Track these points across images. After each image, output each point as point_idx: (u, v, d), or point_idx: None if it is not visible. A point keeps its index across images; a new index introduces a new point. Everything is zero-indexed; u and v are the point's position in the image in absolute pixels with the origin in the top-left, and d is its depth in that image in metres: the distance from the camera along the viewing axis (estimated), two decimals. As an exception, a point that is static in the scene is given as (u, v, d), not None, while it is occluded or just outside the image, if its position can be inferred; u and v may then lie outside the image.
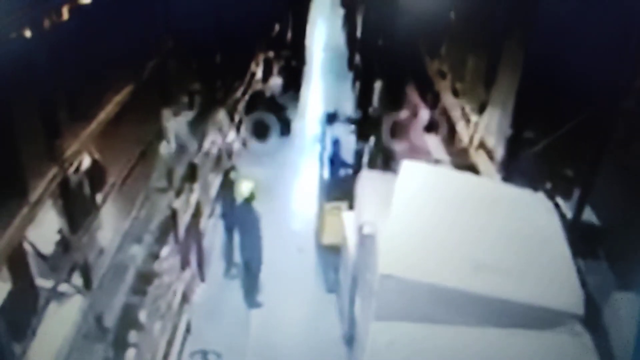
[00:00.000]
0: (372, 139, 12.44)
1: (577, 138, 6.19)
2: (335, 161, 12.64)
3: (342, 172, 12.56)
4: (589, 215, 6.30)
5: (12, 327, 4.63)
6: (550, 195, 6.60)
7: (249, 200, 9.66)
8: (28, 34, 4.71)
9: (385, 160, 11.85)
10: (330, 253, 10.59)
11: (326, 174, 12.38)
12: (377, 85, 13.74)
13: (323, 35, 26.36)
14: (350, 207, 9.73)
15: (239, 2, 12.38)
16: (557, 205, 6.48)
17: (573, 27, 5.86)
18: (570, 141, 6.32)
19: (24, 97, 4.74)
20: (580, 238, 5.96)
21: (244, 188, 9.69)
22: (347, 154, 12.68)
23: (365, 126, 12.50)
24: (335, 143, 12.77)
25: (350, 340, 8.67)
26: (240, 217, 9.89)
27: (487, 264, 5.50)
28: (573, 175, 6.77)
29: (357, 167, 12.09)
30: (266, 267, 10.14)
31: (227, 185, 11.18)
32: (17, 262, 4.84)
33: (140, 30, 7.56)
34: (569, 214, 6.40)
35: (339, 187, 11.71)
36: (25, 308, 4.97)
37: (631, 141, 5.73)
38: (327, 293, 10.48)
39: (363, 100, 12.88)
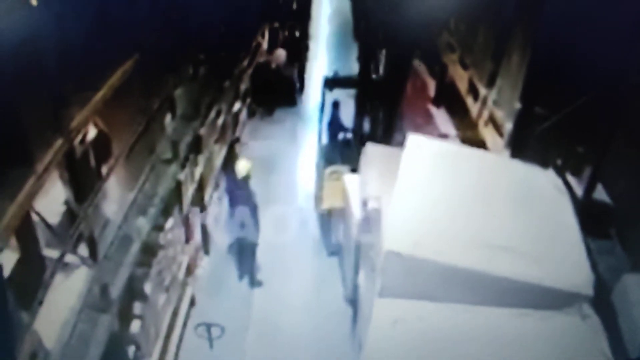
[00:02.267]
0: (374, 104, 12.37)
1: (590, 114, 6.13)
2: (334, 125, 12.68)
3: (341, 135, 12.60)
4: (600, 193, 6.29)
5: (20, 296, 4.69)
6: (561, 173, 6.58)
7: (245, 179, 9.74)
8: (34, 2, 4.68)
9: (387, 128, 11.84)
10: (330, 217, 10.74)
11: (325, 138, 12.42)
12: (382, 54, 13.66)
13: (329, 5, 26.14)
14: (352, 171, 9.88)
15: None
16: (567, 183, 6.46)
17: (588, 1, 5.79)
18: (582, 117, 6.27)
19: (30, 68, 4.72)
20: (591, 217, 5.94)
21: (241, 167, 9.77)
22: (347, 118, 12.61)
23: (367, 90, 12.22)
24: (335, 106, 12.73)
25: (353, 301, 8.83)
26: (235, 194, 9.99)
27: (494, 243, 5.48)
28: (584, 152, 6.73)
29: (357, 131, 12.07)
30: (268, 237, 10.23)
31: (233, 158, 11.20)
32: (25, 232, 4.86)
33: (146, 1, 7.53)
34: (580, 192, 6.38)
35: (338, 151, 11.82)
36: (33, 278, 5.02)
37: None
38: (328, 257, 10.67)
39: (366, 64, 12.76)
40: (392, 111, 11.63)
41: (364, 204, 7.78)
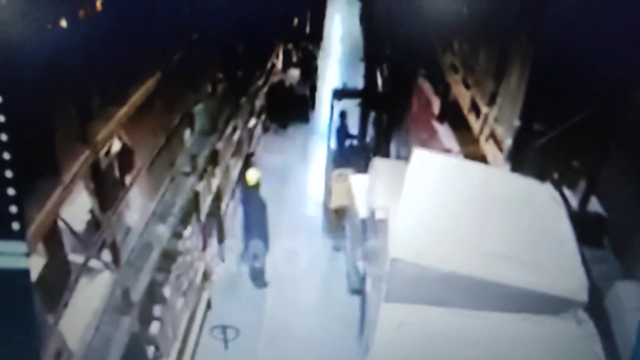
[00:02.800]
0: (378, 114, 12.82)
1: (585, 130, 6.11)
2: (342, 132, 13.22)
3: (348, 142, 13.21)
4: (594, 205, 6.25)
5: (46, 299, 4.71)
6: (557, 185, 6.55)
7: (254, 187, 9.85)
8: (64, 24, 4.74)
9: (388, 135, 12.24)
10: (337, 216, 10.97)
11: (333, 143, 12.92)
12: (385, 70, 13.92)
13: (341, 27, 26.29)
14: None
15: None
16: (563, 195, 6.42)
17: (584, 21, 5.77)
18: (578, 133, 6.25)
19: (59, 84, 4.78)
20: (585, 227, 5.90)
21: (250, 176, 9.88)
22: (353, 126, 13.28)
23: (371, 101, 12.79)
24: (342, 115, 13.20)
25: (355, 291, 9.21)
26: (246, 202, 10.26)
27: (494, 251, 5.46)
28: (580, 166, 6.70)
29: (361, 138, 12.85)
30: (279, 242, 10.51)
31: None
32: (52, 239, 4.89)
33: (168, 22, 7.60)
34: (575, 204, 6.35)
35: (345, 156, 12.28)
36: (59, 281, 5.04)
37: (638, 135, 5.66)
38: (335, 251, 10.97)
39: (371, 79, 13.07)
40: (393, 120, 12.24)
41: (372, 214, 7.78)
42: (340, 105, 12.86)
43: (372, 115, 13.02)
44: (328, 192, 11.56)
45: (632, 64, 5.50)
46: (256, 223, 9.95)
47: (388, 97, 12.53)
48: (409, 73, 12.11)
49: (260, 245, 10.02)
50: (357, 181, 9.64)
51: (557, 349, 4.97)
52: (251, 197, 9.96)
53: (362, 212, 8.65)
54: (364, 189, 9.06)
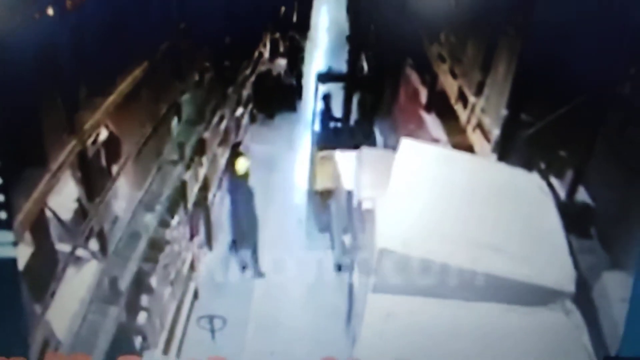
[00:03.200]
0: (361, 96, 13.22)
1: (573, 121, 6.16)
2: (326, 115, 13.33)
3: (332, 124, 13.31)
4: (582, 195, 6.29)
5: (33, 288, 4.68)
6: (545, 175, 6.58)
7: (243, 177, 9.81)
8: (51, 13, 4.68)
9: (371, 117, 12.69)
10: (322, 197, 10.99)
11: (317, 126, 13.04)
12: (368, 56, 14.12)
13: (327, 17, 26.23)
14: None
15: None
16: (551, 185, 6.46)
17: (571, 14, 5.80)
18: (565, 124, 6.30)
19: (46, 73, 4.72)
20: (573, 217, 5.95)
21: (240, 165, 9.83)
22: (337, 109, 13.41)
23: (354, 84, 13.01)
24: (325, 98, 13.31)
25: (340, 267, 9.43)
26: (235, 192, 10.17)
27: (482, 242, 5.46)
28: (567, 156, 6.75)
29: (345, 120, 13.09)
30: (268, 233, 10.43)
31: (234, 160, 11.19)
32: (39, 228, 4.87)
33: (155, 12, 7.54)
34: (563, 194, 6.39)
35: (329, 138, 12.34)
36: (46, 271, 5.01)
37: (625, 126, 5.71)
38: (320, 232, 10.95)
39: (354, 63, 13.25)
40: (377, 102, 12.80)
41: (359, 204, 7.77)
42: (324, 88, 13.03)
43: (356, 98, 13.27)
44: (313, 174, 11.60)
45: (619, 56, 5.54)
46: (244, 214, 9.87)
47: (372, 81, 12.92)
48: (395, 61, 12.25)
49: (249, 256, 9.99)
50: (342, 158, 9.72)
51: (545, 339, 5.00)
52: (239, 186, 9.92)
53: (348, 186, 8.73)
54: (349, 166, 9.09)
